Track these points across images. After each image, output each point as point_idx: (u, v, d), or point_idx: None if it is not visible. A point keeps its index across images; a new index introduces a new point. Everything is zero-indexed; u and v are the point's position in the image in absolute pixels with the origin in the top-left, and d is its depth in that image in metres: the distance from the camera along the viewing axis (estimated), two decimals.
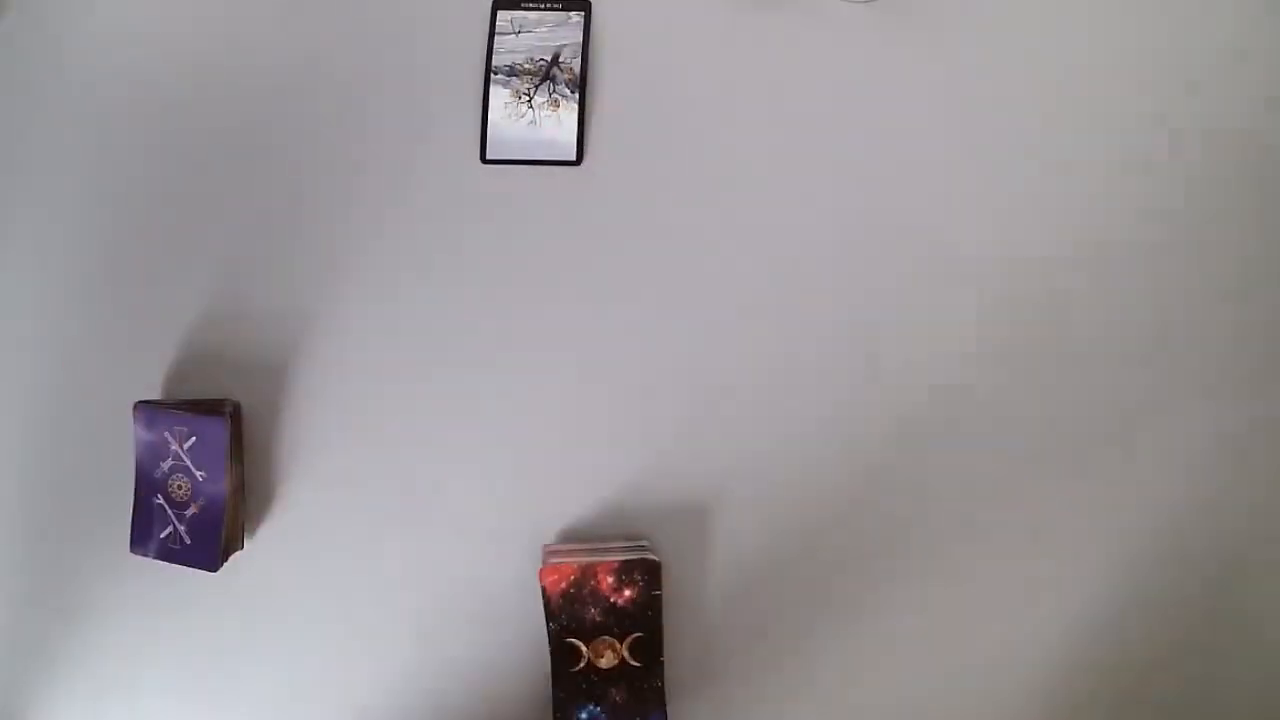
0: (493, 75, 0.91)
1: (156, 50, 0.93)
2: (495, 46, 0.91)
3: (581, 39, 0.90)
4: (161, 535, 0.85)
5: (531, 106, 0.90)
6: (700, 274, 0.89)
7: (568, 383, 0.89)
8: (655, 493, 0.89)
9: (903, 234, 0.88)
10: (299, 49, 0.92)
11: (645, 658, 0.82)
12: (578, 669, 0.82)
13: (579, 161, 0.90)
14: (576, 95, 0.90)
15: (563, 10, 0.91)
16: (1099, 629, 0.86)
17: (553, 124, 0.90)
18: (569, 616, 0.82)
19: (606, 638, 0.82)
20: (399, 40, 0.92)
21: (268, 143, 0.92)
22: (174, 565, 0.89)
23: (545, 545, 0.88)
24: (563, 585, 0.82)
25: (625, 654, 0.82)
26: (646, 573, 0.82)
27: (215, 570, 0.85)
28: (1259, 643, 0.86)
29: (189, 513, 0.85)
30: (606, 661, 0.82)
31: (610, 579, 0.82)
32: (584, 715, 0.82)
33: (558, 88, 0.90)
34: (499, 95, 0.90)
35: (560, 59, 0.90)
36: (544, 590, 0.82)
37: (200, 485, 0.85)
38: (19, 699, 0.92)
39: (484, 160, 0.90)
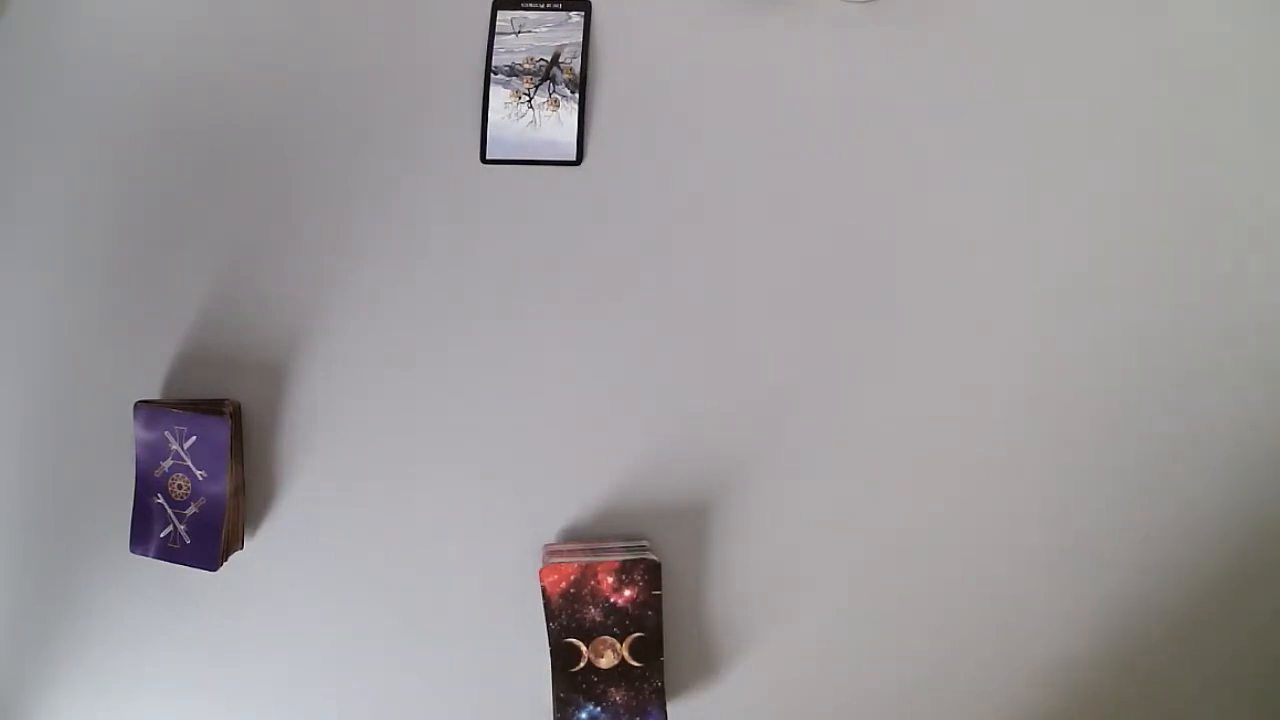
0: (493, 75, 0.91)
1: (156, 50, 0.93)
2: (495, 46, 0.91)
3: (581, 39, 0.90)
4: (161, 535, 0.85)
5: (531, 106, 0.90)
6: (700, 274, 0.89)
7: (567, 382, 0.89)
8: (655, 493, 0.89)
9: (903, 233, 0.88)
10: (299, 49, 0.92)
11: (645, 658, 0.82)
12: (578, 669, 0.82)
13: (579, 161, 0.90)
14: (576, 95, 0.90)
15: (563, 10, 0.91)
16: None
17: (553, 124, 0.90)
18: (569, 616, 0.82)
19: (606, 638, 0.82)
20: (399, 40, 0.92)
21: (267, 143, 0.92)
22: (174, 565, 0.89)
23: (545, 545, 0.88)
24: (563, 585, 0.82)
25: (625, 654, 0.82)
26: (646, 573, 0.82)
27: (215, 570, 0.85)
28: None
29: (189, 512, 0.85)
30: (606, 661, 0.82)
31: (610, 579, 0.82)
32: (584, 715, 0.82)
33: (558, 88, 0.90)
34: (499, 95, 0.90)
35: (560, 59, 0.90)
36: (544, 590, 0.82)
37: (200, 485, 0.85)
38: (20, 698, 0.92)
39: (484, 160, 0.90)
